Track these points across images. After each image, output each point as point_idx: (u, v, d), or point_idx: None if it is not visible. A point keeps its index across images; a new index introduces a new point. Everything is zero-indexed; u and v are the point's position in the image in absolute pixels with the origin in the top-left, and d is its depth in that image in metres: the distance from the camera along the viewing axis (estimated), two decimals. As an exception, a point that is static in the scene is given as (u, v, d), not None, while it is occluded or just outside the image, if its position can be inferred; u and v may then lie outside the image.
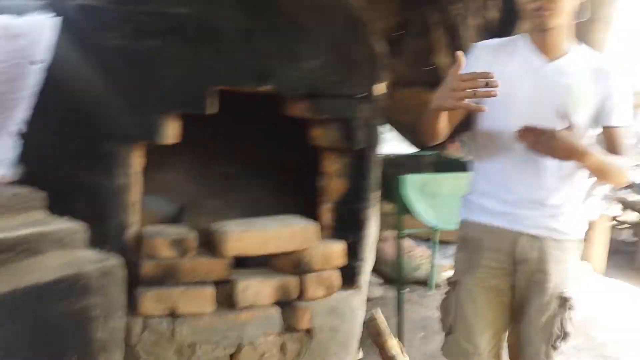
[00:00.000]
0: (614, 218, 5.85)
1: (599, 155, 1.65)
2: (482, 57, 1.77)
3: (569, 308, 1.76)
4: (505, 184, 1.78)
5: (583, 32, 3.13)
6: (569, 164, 1.67)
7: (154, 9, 2.00)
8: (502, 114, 1.72)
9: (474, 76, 1.47)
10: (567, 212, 1.75)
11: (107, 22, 1.96)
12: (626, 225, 6.21)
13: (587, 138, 1.75)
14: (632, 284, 4.54)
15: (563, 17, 1.67)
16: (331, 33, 2.30)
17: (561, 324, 1.76)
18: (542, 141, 1.58)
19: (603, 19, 3.15)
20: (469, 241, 1.86)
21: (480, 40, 1.86)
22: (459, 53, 1.54)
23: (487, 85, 1.46)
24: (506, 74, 1.70)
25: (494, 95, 1.46)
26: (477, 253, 1.82)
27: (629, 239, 5.99)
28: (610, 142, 1.76)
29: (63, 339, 1.60)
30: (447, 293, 1.90)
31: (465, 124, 1.84)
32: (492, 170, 1.81)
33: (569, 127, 1.61)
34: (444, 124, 1.72)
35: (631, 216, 6.12)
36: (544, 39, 1.72)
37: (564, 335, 1.77)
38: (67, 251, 1.72)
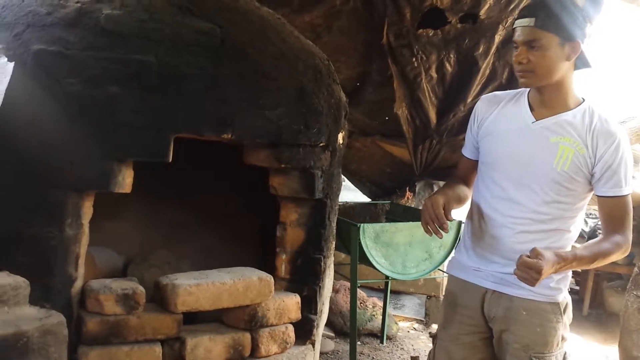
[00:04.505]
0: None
1: (577, 256, 1.61)
2: (479, 110, 1.82)
3: None
4: (478, 239, 1.77)
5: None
6: (543, 226, 1.67)
7: (115, 55, 1.93)
8: (492, 166, 1.74)
9: (438, 215, 1.59)
10: None
11: (65, 68, 1.88)
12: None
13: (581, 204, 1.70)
14: (582, 334, 4.59)
15: (550, 75, 1.61)
16: (296, 82, 2.28)
17: None
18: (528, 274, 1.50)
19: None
20: (447, 296, 1.88)
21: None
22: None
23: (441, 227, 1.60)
24: (496, 128, 1.74)
25: (439, 237, 1.61)
26: (452, 308, 1.82)
27: (573, 287, 6.12)
28: (606, 212, 1.66)
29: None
30: (433, 345, 1.90)
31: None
32: (470, 225, 1.83)
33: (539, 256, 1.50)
34: (457, 200, 1.77)
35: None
36: (536, 96, 1.69)
37: None
38: (6, 308, 1.61)
